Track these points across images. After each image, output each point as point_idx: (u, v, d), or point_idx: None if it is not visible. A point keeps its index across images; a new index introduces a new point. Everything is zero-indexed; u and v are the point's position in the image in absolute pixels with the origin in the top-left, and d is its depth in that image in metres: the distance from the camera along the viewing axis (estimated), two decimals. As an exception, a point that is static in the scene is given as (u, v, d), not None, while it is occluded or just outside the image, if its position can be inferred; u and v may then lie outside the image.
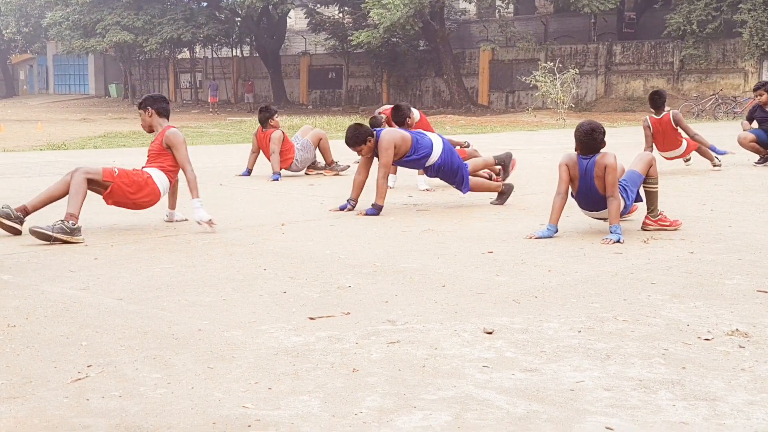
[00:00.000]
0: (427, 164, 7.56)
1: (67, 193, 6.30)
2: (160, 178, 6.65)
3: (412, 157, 7.45)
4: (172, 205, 7.05)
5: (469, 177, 7.71)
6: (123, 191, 6.47)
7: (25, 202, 6.43)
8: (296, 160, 10.75)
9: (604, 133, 6.11)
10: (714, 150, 10.56)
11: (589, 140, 6.06)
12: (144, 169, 6.71)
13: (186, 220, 6.94)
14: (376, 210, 7.20)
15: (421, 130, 8.04)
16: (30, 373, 3.19)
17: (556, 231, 6.13)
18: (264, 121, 10.82)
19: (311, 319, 3.98)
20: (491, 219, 6.81)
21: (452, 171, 7.58)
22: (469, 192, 7.74)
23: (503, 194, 7.79)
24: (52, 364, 3.30)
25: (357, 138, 7.29)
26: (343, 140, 7.50)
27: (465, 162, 7.84)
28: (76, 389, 3.02)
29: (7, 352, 3.44)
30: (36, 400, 2.92)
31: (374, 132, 7.35)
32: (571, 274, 4.98)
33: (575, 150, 6.19)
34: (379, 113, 13.08)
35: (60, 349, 3.49)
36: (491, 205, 7.72)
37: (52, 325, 3.85)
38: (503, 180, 8.39)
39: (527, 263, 5.27)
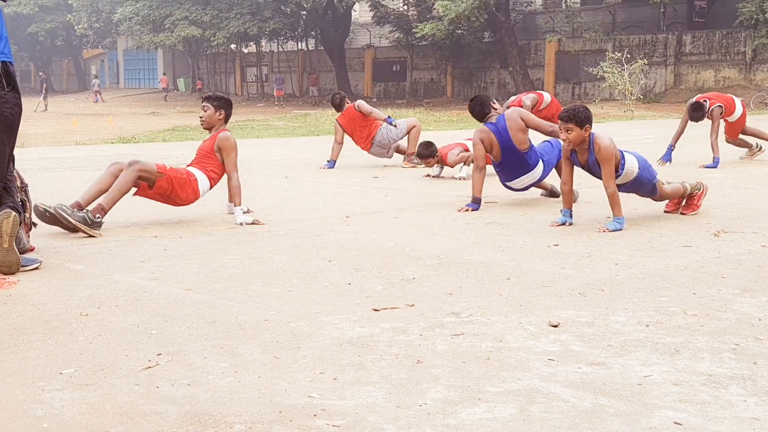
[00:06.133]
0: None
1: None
2: (202, 181, 6.74)
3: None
4: (238, 202, 6.88)
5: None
6: (171, 185, 6.54)
7: (78, 198, 6.27)
8: (376, 141, 10.90)
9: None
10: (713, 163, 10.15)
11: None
12: (188, 169, 6.79)
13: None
14: (477, 204, 7.09)
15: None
16: (102, 360, 3.27)
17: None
18: (339, 105, 10.94)
19: (375, 310, 3.99)
20: (556, 212, 6.74)
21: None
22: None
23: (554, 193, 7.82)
24: (123, 352, 3.37)
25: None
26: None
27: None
28: (146, 377, 3.08)
29: (80, 340, 3.53)
30: (108, 387, 2.98)
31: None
32: (638, 267, 4.90)
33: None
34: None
35: (131, 337, 3.57)
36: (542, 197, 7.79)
37: (123, 314, 3.93)
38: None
39: (593, 256, 5.21)
